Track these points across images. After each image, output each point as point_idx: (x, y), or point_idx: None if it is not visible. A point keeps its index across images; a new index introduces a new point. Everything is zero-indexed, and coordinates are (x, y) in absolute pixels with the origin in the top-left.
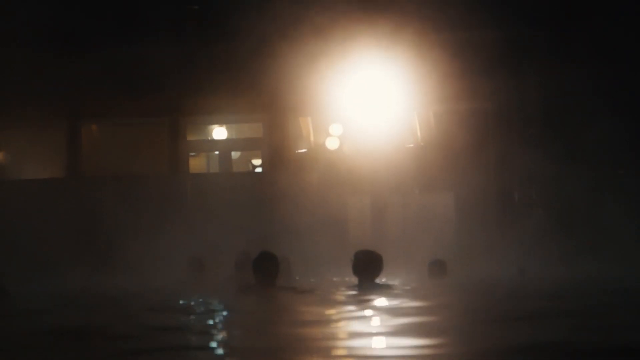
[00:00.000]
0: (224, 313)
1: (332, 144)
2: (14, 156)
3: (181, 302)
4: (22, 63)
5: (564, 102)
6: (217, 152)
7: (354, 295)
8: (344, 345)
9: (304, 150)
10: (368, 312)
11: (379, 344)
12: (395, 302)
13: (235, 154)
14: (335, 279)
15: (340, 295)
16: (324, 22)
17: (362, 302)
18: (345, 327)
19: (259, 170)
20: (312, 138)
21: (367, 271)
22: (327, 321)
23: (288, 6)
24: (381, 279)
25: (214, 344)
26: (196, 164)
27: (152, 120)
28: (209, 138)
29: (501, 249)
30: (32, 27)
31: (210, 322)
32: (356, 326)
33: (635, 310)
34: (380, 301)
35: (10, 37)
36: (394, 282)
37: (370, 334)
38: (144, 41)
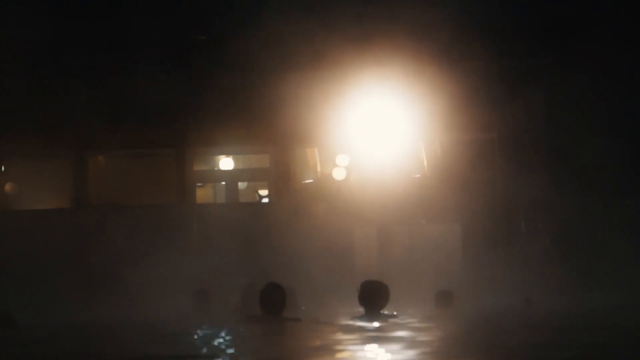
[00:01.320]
0: (230, 343)
1: (338, 174)
2: (21, 187)
3: (187, 332)
4: (29, 94)
5: (571, 131)
6: (223, 183)
7: (360, 326)
8: None
9: (310, 181)
10: (374, 343)
11: None
12: (401, 333)
13: (241, 185)
14: (341, 309)
15: (347, 326)
16: (331, 53)
17: (368, 332)
18: (352, 357)
19: (265, 200)
20: (318, 168)
21: (373, 301)
22: (333, 351)
23: (295, 38)
24: (387, 310)
25: None
26: (203, 194)
27: (159, 151)
28: (216, 168)
29: (507, 278)
30: (39, 57)
31: (216, 352)
32: (362, 357)
33: None
34: (387, 332)
35: (17, 67)
36: (401, 312)
37: None
38: (150, 72)
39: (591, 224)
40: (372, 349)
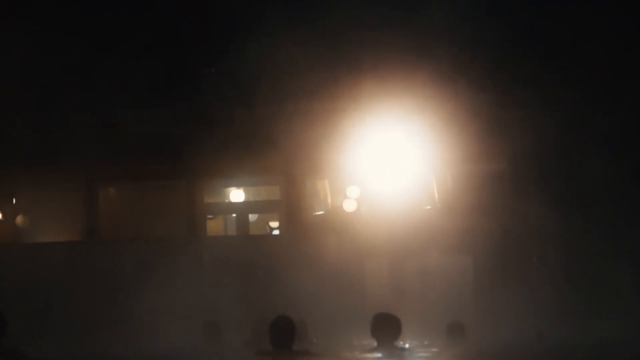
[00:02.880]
0: None
1: (349, 206)
2: (32, 219)
3: None
4: (39, 126)
5: (582, 162)
6: (234, 215)
7: (372, 359)
8: None
9: (321, 213)
10: None
11: None
12: None
13: (252, 217)
14: (353, 341)
15: (359, 359)
16: (342, 85)
17: None
18: None
19: (276, 232)
20: (329, 200)
21: (385, 334)
22: None
23: (306, 69)
24: (399, 342)
25: None
26: (213, 226)
27: (169, 183)
28: (227, 201)
29: (519, 311)
30: (49, 90)
31: None
32: None
33: None
34: None
35: (28, 99)
36: (413, 345)
37: None
38: (161, 104)
39: (604, 255)
40: None
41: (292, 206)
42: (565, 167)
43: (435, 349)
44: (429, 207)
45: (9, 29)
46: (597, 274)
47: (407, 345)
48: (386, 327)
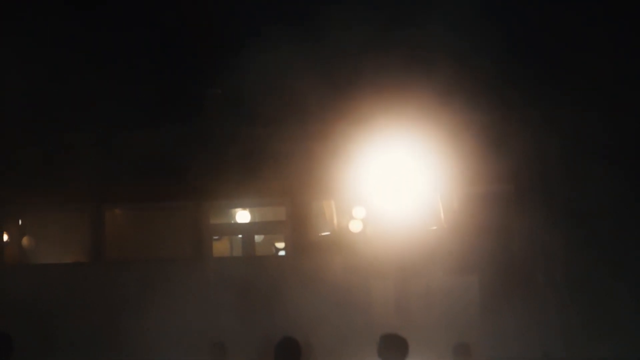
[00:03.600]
0: None
1: (355, 226)
2: (38, 240)
3: None
4: (45, 147)
5: (589, 183)
6: (240, 236)
7: None
8: None
9: (327, 234)
10: None
11: None
12: None
13: (258, 238)
14: None
15: None
16: (347, 106)
17: None
18: None
19: (282, 253)
20: (335, 221)
21: (392, 355)
22: None
23: (311, 90)
24: None
25: None
26: (219, 247)
27: (175, 205)
28: (232, 222)
29: (525, 332)
30: (56, 111)
31: None
32: None
33: None
34: None
35: (34, 121)
36: None
37: None
38: (166, 125)
39: (609, 275)
40: None
41: (298, 227)
42: (571, 188)
43: None
44: (434, 227)
45: (18, 54)
46: (603, 294)
47: None
48: (393, 348)
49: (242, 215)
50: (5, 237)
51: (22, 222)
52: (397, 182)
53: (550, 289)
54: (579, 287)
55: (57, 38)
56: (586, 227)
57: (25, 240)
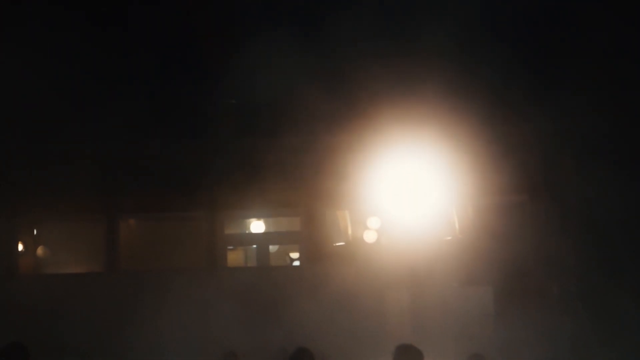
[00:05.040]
0: None
1: (370, 237)
2: (53, 250)
3: None
4: (61, 158)
5: (603, 194)
6: (254, 246)
7: None
8: None
9: (341, 244)
10: None
11: None
12: None
13: (272, 248)
14: None
15: None
16: (362, 116)
17: None
18: None
19: (296, 263)
20: (349, 231)
21: None
22: None
23: (326, 101)
24: None
25: None
26: (234, 257)
27: (190, 215)
28: (247, 232)
29: (540, 342)
30: (71, 122)
31: None
32: None
33: None
34: None
35: (49, 132)
36: None
37: None
38: (181, 136)
39: (624, 286)
40: None
41: (312, 237)
42: (586, 199)
43: None
44: (449, 238)
45: (36, 68)
46: (617, 305)
47: None
48: (408, 359)
49: (257, 226)
50: (21, 247)
51: (37, 232)
52: (411, 192)
53: (564, 299)
54: (592, 298)
55: (76, 52)
56: (600, 238)
57: (40, 250)
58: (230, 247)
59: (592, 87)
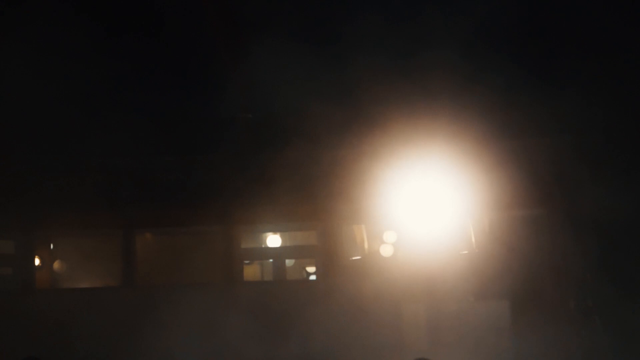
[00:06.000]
0: None
1: (386, 251)
2: (69, 265)
3: None
4: (76, 173)
5: (620, 207)
6: (271, 260)
7: None
8: None
9: (358, 258)
10: None
11: None
12: None
13: (289, 262)
14: None
15: None
16: (378, 130)
17: None
18: None
19: (313, 277)
20: (366, 245)
21: None
22: None
23: (341, 115)
24: None
25: None
26: (250, 272)
27: (206, 229)
28: (263, 246)
29: (556, 357)
30: (86, 137)
31: None
32: None
33: None
34: None
35: (64, 147)
36: None
37: None
38: (197, 149)
39: None
40: None
41: (328, 251)
42: (602, 213)
43: None
44: (465, 251)
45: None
46: (635, 319)
47: None
48: None
49: (273, 240)
50: (37, 262)
51: (53, 246)
52: (427, 206)
53: (580, 313)
54: (609, 311)
55: (95, 68)
56: (617, 251)
57: (56, 265)
58: (247, 262)
59: (610, 100)
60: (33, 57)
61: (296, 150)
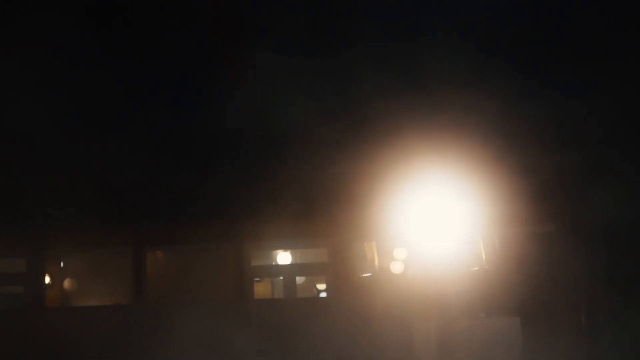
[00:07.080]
0: None
1: (396, 268)
2: (80, 282)
3: None
4: (88, 191)
5: (631, 226)
6: (281, 278)
7: None
8: None
9: (368, 275)
10: None
11: None
12: None
13: (299, 279)
14: None
15: None
16: (388, 147)
17: None
18: None
19: (323, 295)
20: (376, 262)
21: None
22: None
23: (352, 132)
24: None
25: None
26: (261, 289)
27: (216, 247)
28: (274, 263)
29: None
30: (99, 155)
31: None
32: None
33: None
34: None
35: (77, 165)
36: None
37: None
38: (207, 168)
39: None
40: None
41: (339, 268)
42: (612, 229)
43: None
44: (476, 268)
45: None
46: None
47: None
48: None
49: (283, 257)
50: (48, 279)
51: (64, 264)
52: (438, 223)
53: (591, 329)
54: (620, 328)
55: (107, 84)
56: (628, 267)
57: (67, 283)
58: (257, 279)
59: (620, 118)
60: (45, 78)
61: (308, 168)
